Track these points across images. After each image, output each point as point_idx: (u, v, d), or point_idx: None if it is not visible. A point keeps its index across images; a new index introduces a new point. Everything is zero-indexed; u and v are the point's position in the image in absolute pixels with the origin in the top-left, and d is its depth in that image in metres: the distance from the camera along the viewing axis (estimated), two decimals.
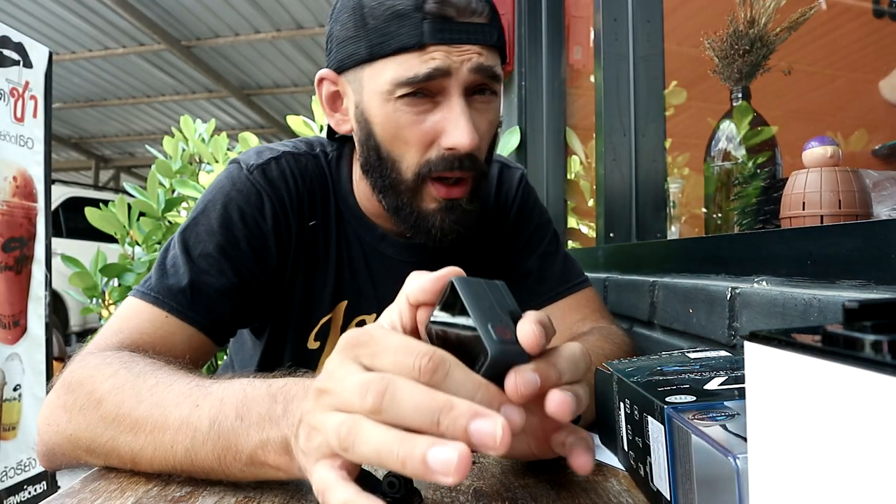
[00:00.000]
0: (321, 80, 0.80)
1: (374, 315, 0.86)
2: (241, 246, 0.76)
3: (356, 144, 0.79)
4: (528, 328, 0.41)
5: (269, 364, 0.88)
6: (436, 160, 0.72)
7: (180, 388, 0.53)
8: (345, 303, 0.85)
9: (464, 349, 0.41)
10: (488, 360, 0.40)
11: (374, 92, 0.72)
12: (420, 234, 0.76)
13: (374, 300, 0.85)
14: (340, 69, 0.76)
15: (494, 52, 0.73)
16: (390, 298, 0.48)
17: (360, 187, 0.83)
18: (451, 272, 0.45)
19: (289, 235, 0.80)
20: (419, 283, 0.45)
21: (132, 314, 0.70)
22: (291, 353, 0.85)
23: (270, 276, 0.79)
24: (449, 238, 0.75)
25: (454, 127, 0.69)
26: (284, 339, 0.85)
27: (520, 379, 0.40)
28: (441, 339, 0.44)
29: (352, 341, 0.40)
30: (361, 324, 0.85)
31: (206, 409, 0.50)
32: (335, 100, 0.80)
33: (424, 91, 0.70)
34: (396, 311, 0.47)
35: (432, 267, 0.91)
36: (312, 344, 0.85)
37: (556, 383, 0.42)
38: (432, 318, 0.45)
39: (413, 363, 0.37)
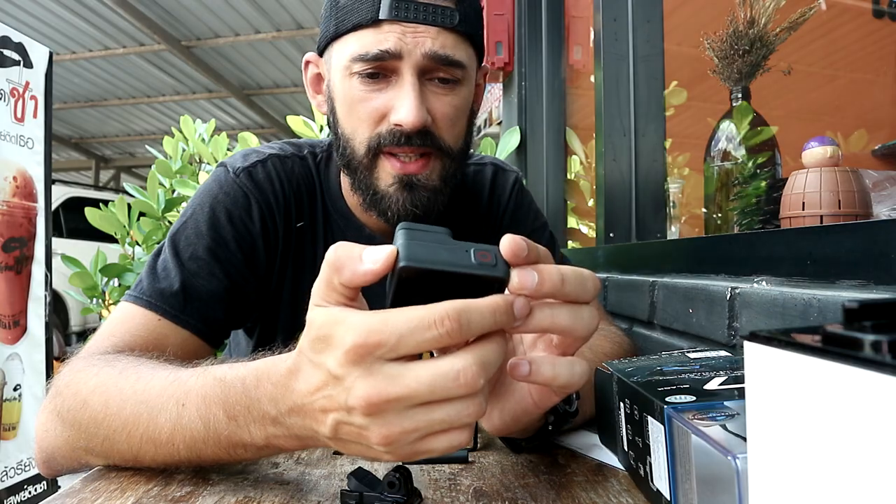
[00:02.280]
0: (307, 63, 0.82)
1: None
2: (231, 247, 0.76)
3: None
4: (509, 241, 0.41)
5: None
6: (385, 134, 0.72)
7: (161, 384, 0.52)
8: None
9: (448, 290, 0.39)
10: (504, 286, 0.40)
11: (337, 68, 0.74)
12: (379, 214, 0.76)
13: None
14: (320, 50, 0.78)
15: (457, 38, 0.72)
16: (376, 300, 0.46)
17: (348, 185, 0.83)
18: (389, 255, 0.39)
19: (276, 237, 0.80)
20: (357, 270, 0.40)
21: (125, 318, 0.70)
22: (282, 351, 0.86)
23: (260, 277, 0.80)
24: (406, 220, 0.74)
25: (401, 104, 0.70)
26: (274, 339, 0.86)
27: (520, 274, 0.40)
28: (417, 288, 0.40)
29: (362, 349, 0.37)
30: None
31: (193, 408, 0.49)
32: (318, 82, 0.82)
33: (379, 70, 0.71)
34: (335, 294, 0.41)
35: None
36: None
37: (557, 286, 0.41)
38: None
39: (437, 334, 0.36)
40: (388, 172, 0.73)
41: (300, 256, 0.83)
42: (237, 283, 0.76)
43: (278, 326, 0.85)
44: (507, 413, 0.49)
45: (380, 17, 0.69)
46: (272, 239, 0.80)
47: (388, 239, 0.85)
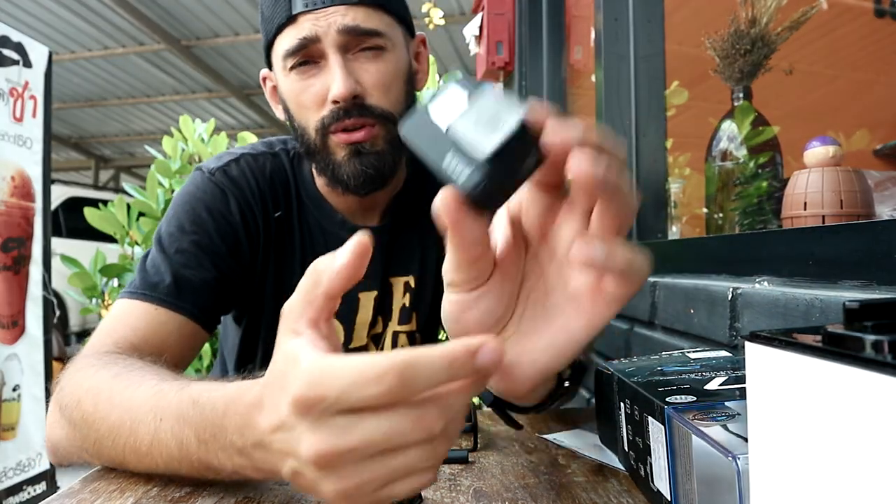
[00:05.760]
0: (263, 79, 0.88)
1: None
2: (214, 239, 0.79)
3: None
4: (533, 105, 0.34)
5: (247, 353, 0.92)
6: (327, 115, 0.77)
7: (145, 395, 0.52)
8: None
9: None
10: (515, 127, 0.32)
11: (278, 72, 0.81)
12: (340, 186, 0.81)
13: None
14: (268, 63, 0.85)
15: (368, 10, 0.76)
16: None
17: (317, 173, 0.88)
18: (362, 245, 0.36)
19: (257, 229, 0.83)
20: (334, 267, 0.36)
21: (123, 314, 0.73)
22: (265, 343, 0.88)
23: (245, 268, 0.82)
24: (360, 182, 0.79)
25: (332, 81, 0.75)
26: (259, 328, 0.88)
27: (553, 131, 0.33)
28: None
29: (305, 401, 0.33)
30: None
31: (168, 426, 0.48)
32: (275, 93, 0.86)
33: (308, 59, 0.77)
34: (311, 310, 0.37)
35: (390, 252, 0.90)
36: None
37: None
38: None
39: (378, 392, 0.32)
40: (338, 146, 0.78)
41: (281, 246, 0.86)
42: (224, 272, 0.79)
43: (263, 315, 0.87)
44: (547, 350, 0.40)
45: (293, 13, 0.75)
46: (253, 230, 0.83)
47: (358, 224, 0.88)
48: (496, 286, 0.39)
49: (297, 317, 0.37)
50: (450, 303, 0.40)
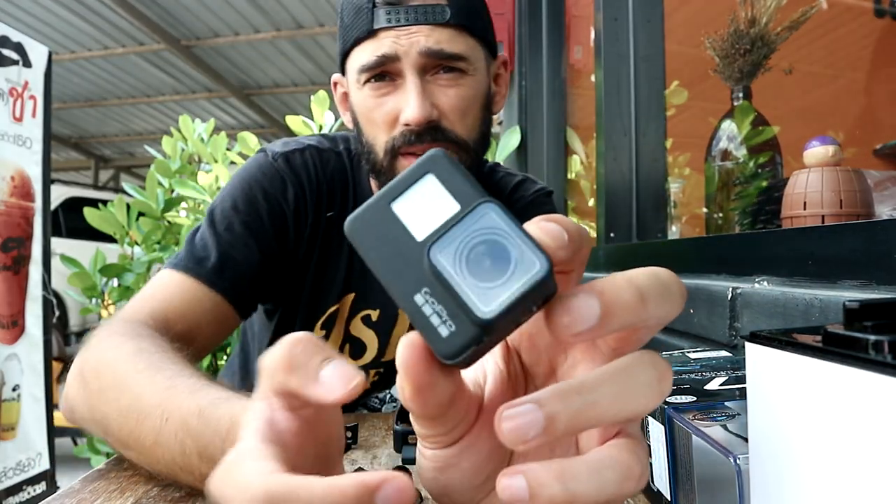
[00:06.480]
0: (335, 84, 0.87)
1: (378, 311, 0.88)
2: (265, 222, 0.80)
3: None
4: (545, 227, 0.24)
5: None
6: (398, 136, 0.75)
7: (158, 387, 0.51)
8: (352, 295, 0.87)
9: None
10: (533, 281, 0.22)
11: (351, 83, 0.79)
12: None
13: (380, 297, 0.87)
14: (341, 69, 0.83)
15: (453, 32, 0.74)
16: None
17: (376, 187, 0.86)
18: (350, 391, 0.26)
19: (306, 222, 0.83)
20: (307, 388, 0.26)
21: (164, 284, 0.74)
22: None
23: (287, 257, 0.83)
24: None
25: (405, 103, 0.73)
26: (293, 324, 0.88)
27: (572, 304, 0.23)
28: None
29: (214, 491, 0.27)
30: (366, 319, 0.88)
31: (173, 430, 0.47)
32: (345, 100, 0.85)
33: (384, 75, 0.75)
34: (262, 435, 0.28)
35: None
36: (318, 332, 0.87)
37: (635, 311, 0.25)
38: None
39: None
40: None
41: (327, 245, 0.86)
42: (268, 255, 0.79)
43: (298, 311, 0.87)
44: None
45: (375, 28, 0.73)
46: (302, 223, 0.83)
47: None
48: (483, 436, 0.28)
49: (266, 377, 0.30)
50: (424, 457, 0.29)
